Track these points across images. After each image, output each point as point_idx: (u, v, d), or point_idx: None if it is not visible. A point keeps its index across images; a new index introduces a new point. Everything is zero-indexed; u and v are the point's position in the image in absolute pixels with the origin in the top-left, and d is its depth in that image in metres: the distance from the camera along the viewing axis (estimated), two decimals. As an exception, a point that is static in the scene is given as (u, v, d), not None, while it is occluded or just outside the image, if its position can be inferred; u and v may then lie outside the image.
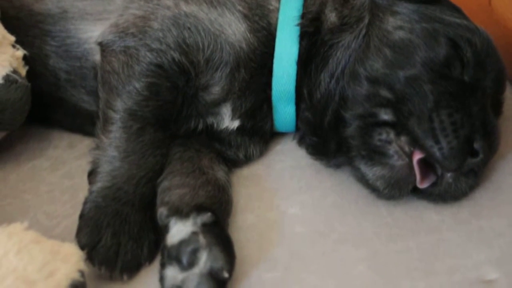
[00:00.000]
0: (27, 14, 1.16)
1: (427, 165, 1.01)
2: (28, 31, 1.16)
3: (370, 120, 1.03)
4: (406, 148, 1.00)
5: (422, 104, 0.99)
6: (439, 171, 1.01)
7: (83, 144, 1.21)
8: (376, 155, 1.02)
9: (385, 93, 1.02)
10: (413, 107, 1.00)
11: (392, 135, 1.01)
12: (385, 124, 1.02)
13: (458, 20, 1.09)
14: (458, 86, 1.02)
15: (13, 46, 1.11)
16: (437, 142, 0.98)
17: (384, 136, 1.01)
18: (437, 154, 0.98)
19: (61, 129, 1.24)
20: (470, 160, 1.00)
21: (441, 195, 1.04)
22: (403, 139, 1.00)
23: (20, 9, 1.17)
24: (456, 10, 1.13)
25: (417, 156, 1.00)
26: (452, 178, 1.02)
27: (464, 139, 0.98)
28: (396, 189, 1.02)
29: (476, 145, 1.00)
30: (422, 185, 1.01)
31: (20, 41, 1.12)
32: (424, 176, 1.01)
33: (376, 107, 1.03)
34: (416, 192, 1.05)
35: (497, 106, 1.11)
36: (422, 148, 0.99)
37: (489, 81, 1.05)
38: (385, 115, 1.02)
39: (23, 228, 0.89)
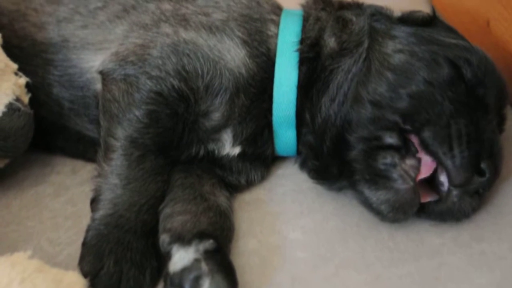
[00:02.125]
0: (30, 44, 1.18)
1: (430, 185, 1.02)
2: (31, 60, 1.17)
3: (374, 143, 1.03)
4: (411, 172, 1.01)
5: (440, 110, 1.00)
6: (445, 187, 1.01)
7: (86, 169, 1.22)
8: (380, 179, 1.02)
9: (390, 116, 1.02)
10: (428, 115, 1.00)
11: (396, 159, 1.01)
12: (389, 147, 1.02)
13: (454, 41, 1.10)
14: (469, 100, 1.03)
15: (16, 74, 1.12)
16: (450, 149, 0.98)
17: (388, 160, 1.01)
18: (448, 162, 0.99)
19: (63, 155, 1.25)
20: (477, 178, 1.01)
21: (443, 213, 1.04)
22: (408, 162, 1.01)
23: (24, 38, 1.18)
24: (451, 30, 1.15)
25: (421, 176, 1.00)
26: (457, 197, 1.02)
27: (475, 153, 0.99)
28: (401, 212, 1.02)
29: (483, 165, 1.00)
30: (424, 199, 1.02)
31: (23, 70, 1.13)
32: (425, 194, 1.02)
33: (381, 130, 1.03)
34: (418, 212, 1.05)
35: (500, 123, 1.12)
36: (434, 155, 1.00)
37: (492, 97, 1.06)
38: (390, 139, 1.02)
39: (26, 256, 0.89)
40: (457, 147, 0.98)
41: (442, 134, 0.99)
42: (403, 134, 1.02)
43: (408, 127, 1.02)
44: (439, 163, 1.00)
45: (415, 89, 1.02)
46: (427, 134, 1.00)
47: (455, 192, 1.01)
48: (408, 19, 1.14)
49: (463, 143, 0.99)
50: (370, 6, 1.19)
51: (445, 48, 1.07)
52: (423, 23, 1.13)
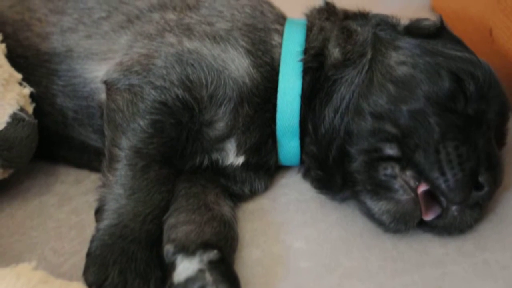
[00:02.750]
0: (34, 54, 1.18)
1: (432, 197, 1.02)
2: (35, 70, 1.17)
3: (375, 155, 1.03)
4: (412, 183, 1.01)
5: (428, 137, 1.00)
6: (444, 204, 1.02)
7: (90, 179, 1.23)
8: (381, 189, 1.02)
9: (390, 128, 1.03)
10: (419, 140, 1.00)
11: (397, 170, 1.01)
12: (390, 158, 1.02)
13: (459, 53, 1.10)
14: (463, 119, 1.02)
15: (20, 84, 1.12)
16: (442, 174, 0.98)
17: (389, 171, 1.01)
18: (443, 186, 0.98)
19: (67, 165, 1.26)
20: (475, 193, 1.00)
21: (446, 227, 1.04)
22: (408, 173, 1.01)
23: (28, 48, 1.19)
24: (458, 42, 1.14)
25: (422, 188, 1.00)
26: (457, 211, 1.02)
27: (469, 172, 0.99)
28: (402, 223, 1.02)
29: (481, 179, 1.00)
30: (427, 217, 1.02)
31: (27, 80, 1.13)
32: (428, 208, 1.01)
33: (381, 142, 1.03)
34: (421, 225, 1.05)
35: (501, 138, 1.11)
36: (427, 180, 1.00)
37: (493, 113, 1.06)
38: (390, 150, 1.02)
39: (31, 268, 0.89)
40: (449, 171, 0.98)
41: (431, 160, 0.99)
42: (402, 147, 1.02)
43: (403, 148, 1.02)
44: (434, 187, 1.00)
45: (413, 107, 1.02)
46: (417, 159, 1.00)
47: (454, 207, 1.02)
48: (414, 29, 1.14)
49: (454, 166, 0.98)
50: (375, 15, 1.19)
51: (449, 60, 1.07)
52: (429, 34, 1.13)
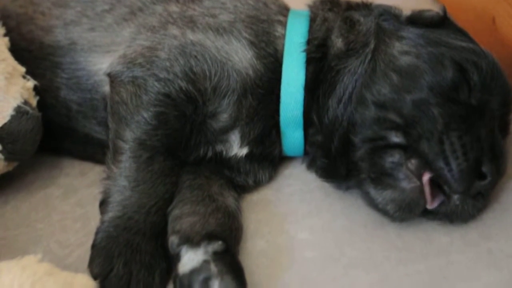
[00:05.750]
0: (38, 47, 1.18)
1: (435, 184, 1.01)
2: (39, 63, 1.17)
3: (380, 142, 1.03)
4: (416, 171, 1.01)
5: (431, 127, 1.00)
6: (448, 191, 1.01)
7: (94, 171, 1.23)
8: (385, 178, 1.02)
9: (393, 117, 1.02)
10: (422, 130, 1.00)
11: (402, 158, 1.01)
12: (396, 146, 1.02)
13: (463, 44, 1.09)
14: (466, 109, 1.02)
15: (24, 77, 1.13)
16: (447, 164, 0.98)
17: (395, 158, 1.01)
18: (447, 176, 0.98)
19: (72, 157, 1.26)
20: (478, 183, 1.00)
21: (448, 215, 1.04)
22: (413, 161, 1.01)
23: (31, 41, 1.19)
24: (462, 33, 1.14)
25: (426, 176, 1.00)
26: (459, 200, 1.02)
27: (473, 161, 0.99)
28: (407, 212, 1.02)
29: (484, 168, 1.00)
30: (432, 205, 1.02)
31: (31, 73, 1.14)
32: (432, 196, 1.01)
33: (385, 130, 1.03)
34: (424, 213, 1.05)
35: (504, 127, 1.11)
36: (432, 170, 0.99)
37: (496, 103, 1.06)
38: (396, 138, 1.02)
39: (36, 260, 0.90)
40: (454, 161, 0.98)
41: (436, 150, 0.99)
42: (406, 136, 1.02)
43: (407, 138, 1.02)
44: (438, 176, 0.99)
45: (417, 97, 1.02)
46: (422, 149, 1.00)
47: (456, 196, 1.01)
48: (417, 20, 1.13)
49: (459, 156, 0.98)
50: (378, 6, 1.18)
51: (453, 50, 1.07)
52: (432, 24, 1.13)
